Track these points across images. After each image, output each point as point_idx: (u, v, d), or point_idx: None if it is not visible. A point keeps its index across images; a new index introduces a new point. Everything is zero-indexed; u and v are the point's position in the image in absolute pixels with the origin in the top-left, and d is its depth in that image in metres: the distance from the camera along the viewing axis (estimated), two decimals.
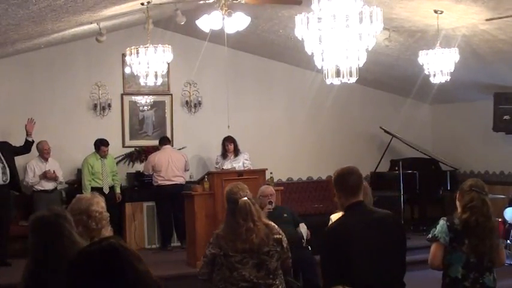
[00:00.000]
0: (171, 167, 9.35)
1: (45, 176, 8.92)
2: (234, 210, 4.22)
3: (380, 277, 3.48)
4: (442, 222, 4.12)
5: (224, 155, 9.55)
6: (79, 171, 9.67)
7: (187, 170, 9.75)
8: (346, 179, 3.57)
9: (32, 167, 8.94)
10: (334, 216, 4.75)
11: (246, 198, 4.24)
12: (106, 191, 9.08)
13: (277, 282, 4.25)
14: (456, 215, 4.15)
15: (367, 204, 3.73)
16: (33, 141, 8.87)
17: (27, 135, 8.83)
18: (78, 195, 3.86)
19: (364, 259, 3.44)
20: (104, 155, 9.25)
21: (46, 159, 9.03)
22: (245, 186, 4.42)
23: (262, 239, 4.18)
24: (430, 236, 4.15)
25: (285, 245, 4.29)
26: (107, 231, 3.76)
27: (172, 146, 10.04)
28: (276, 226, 4.37)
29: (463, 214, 4.09)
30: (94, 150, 9.26)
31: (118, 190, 9.38)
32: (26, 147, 8.86)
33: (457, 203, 4.22)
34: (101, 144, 9.23)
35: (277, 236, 4.27)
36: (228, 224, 4.28)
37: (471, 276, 4.05)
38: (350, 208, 3.56)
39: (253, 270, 4.17)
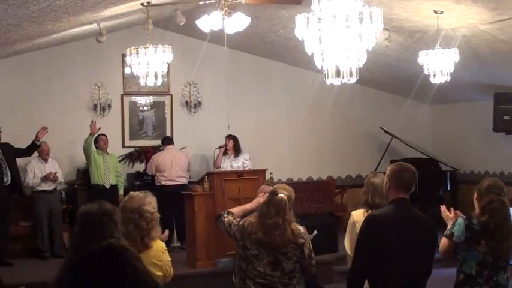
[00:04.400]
0: (175, 167, 9.33)
1: (46, 178, 8.89)
2: (271, 201, 4.31)
3: (406, 274, 3.56)
4: (461, 220, 4.13)
5: (224, 151, 9.57)
6: (79, 171, 9.67)
7: (189, 170, 9.73)
8: (402, 174, 3.72)
9: (31, 168, 8.94)
10: (355, 213, 4.78)
11: (284, 195, 4.32)
12: (107, 186, 9.08)
13: (294, 282, 4.28)
14: (474, 214, 4.15)
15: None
16: (39, 146, 8.85)
17: (36, 139, 8.76)
18: (131, 193, 3.85)
19: (396, 252, 3.53)
20: (103, 148, 9.17)
21: (45, 160, 9.02)
22: (291, 190, 4.53)
23: (284, 240, 4.22)
24: (447, 232, 4.18)
25: (306, 251, 4.30)
26: (156, 232, 3.78)
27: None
28: (302, 231, 4.36)
29: (481, 216, 4.09)
30: (95, 148, 9.19)
31: (121, 192, 9.27)
32: (29, 150, 8.82)
33: (475, 202, 4.22)
34: (98, 135, 9.12)
35: (300, 240, 4.29)
36: (261, 212, 4.34)
37: (485, 273, 4.07)
38: (395, 202, 3.68)
39: (267, 267, 4.22)
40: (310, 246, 4.39)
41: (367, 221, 3.68)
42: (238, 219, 4.47)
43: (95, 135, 9.03)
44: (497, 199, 4.11)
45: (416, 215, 3.74)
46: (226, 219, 4.50)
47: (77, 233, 3.17)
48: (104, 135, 9.26)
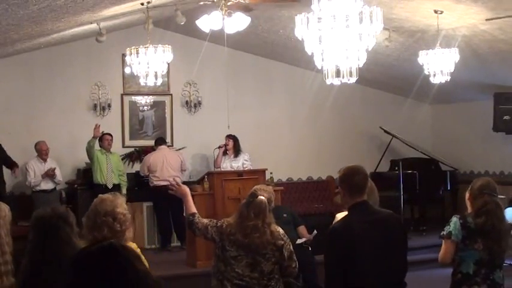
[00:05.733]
0: (166, 167, 9.32)
1: (47, 175, 8.91)
2: (250, 202, 4.28)
3: (382, 277, 3.49)
4: (455, 219, 4.10)
5: (224, 151, 9.58)
6: (79, 171, 9.67)
7: (184, 170, 9.71)
8: (352, 178, 3.56)
9: (32, 167, 8.95)
10: (340, 215, 4.77)
11: (263, 198, 4.30)
12: (110, 186, 9.09)
13: (272, 283, 4.26)
14: (468, 214, 4.13)
15: (371, 204, 3.71)
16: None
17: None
18: (100, 196, 3.80)
19: (366, 259, 3.45)
20: (107, 147, 9.19)
21: (45, 160, 9.03)
22: (271, 191, 4.51)
23: (263, 242, 4.20)
24: (444, 233, 4.13)
25: (285, 253, 4.28)
26: (130, 233, 3.75)
27: (172, 146, 10.04)
28: (282, 232, 4.35)
29: (477, 218, 4.07)
30: (99, 146, 9.19)
31: (124, 191, 9.23)
32: (11, 166, 8.92)
33: (468, 202, 4.19)
34: (104, 134, 9.15)
35: (280, 242, 4.27)
36: (240, 213, 4.31)
37: (482, 272, 4.06)
38: (354, 207, 3.57)
39: (246, 269, 4.21)
40: (291, 247, 4.35)
41: (329, 236, 3.58)
42: (215, 221, 4.43)
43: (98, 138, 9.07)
44: (491, 200, 4.10)
45: (378, 216, 3.62)
46: (200, 224, 4.42)
47: (32, 238, 3.18)
48: (110, 135, 9.27)
